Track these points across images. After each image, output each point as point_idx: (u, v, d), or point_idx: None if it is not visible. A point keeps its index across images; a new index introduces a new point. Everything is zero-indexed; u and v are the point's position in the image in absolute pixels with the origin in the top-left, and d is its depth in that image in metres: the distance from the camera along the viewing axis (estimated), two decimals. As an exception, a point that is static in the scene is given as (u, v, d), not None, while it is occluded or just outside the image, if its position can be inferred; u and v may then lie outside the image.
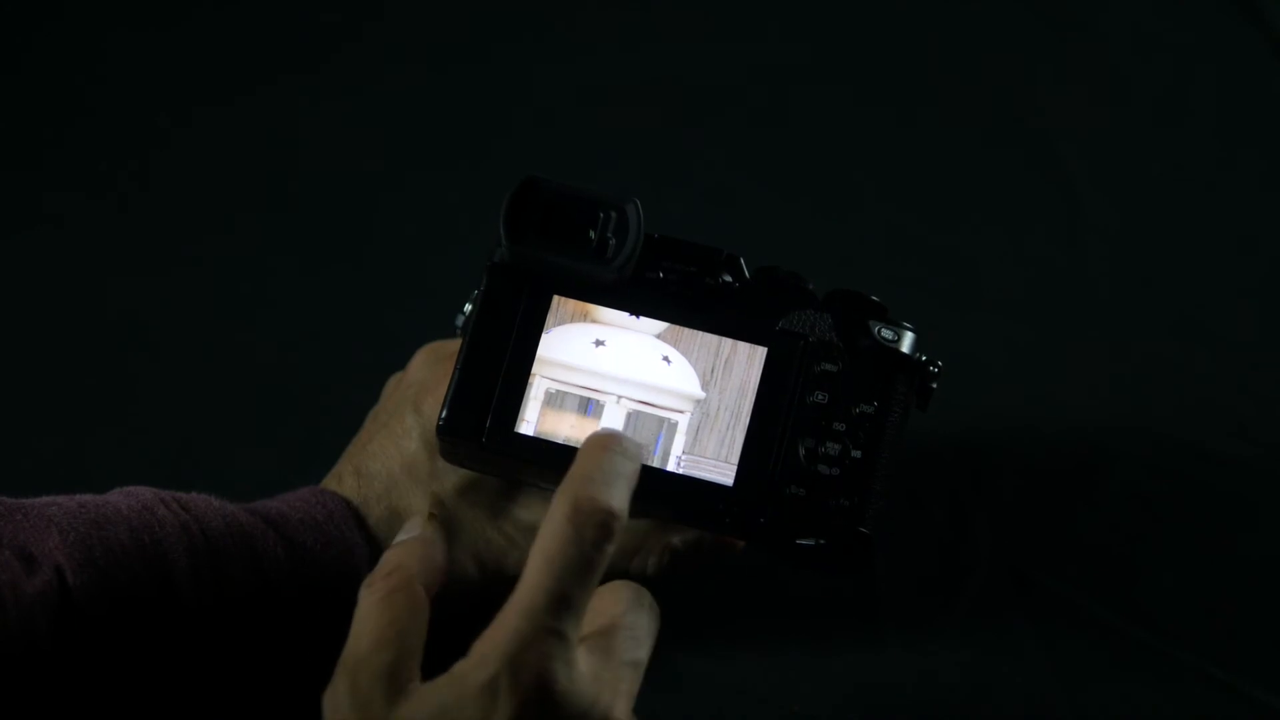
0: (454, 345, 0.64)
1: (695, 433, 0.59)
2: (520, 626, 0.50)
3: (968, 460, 0.75)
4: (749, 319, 0.60)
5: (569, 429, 0.59)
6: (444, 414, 0.59)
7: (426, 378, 0.65)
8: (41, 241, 0.82)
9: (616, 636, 0.54)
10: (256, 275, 0.81)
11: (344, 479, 0.64)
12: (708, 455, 0.59)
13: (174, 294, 0.80)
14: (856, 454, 0.59)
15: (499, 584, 0.63)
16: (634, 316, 0.60)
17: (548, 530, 0.51)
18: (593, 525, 0.51)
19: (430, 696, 0.51)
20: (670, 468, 0.59)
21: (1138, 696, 0.68)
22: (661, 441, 0.59)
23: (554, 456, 0.59)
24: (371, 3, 0.93)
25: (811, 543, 0.59)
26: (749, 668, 0.68)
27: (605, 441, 0.54)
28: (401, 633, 0.53)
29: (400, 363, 0.68)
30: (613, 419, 0.59)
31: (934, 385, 0.61)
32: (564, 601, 0.51)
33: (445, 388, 0.60)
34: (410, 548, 0.57)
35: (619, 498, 0.52)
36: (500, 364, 0.60)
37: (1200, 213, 0.86)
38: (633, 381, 0.60)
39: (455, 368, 0.60)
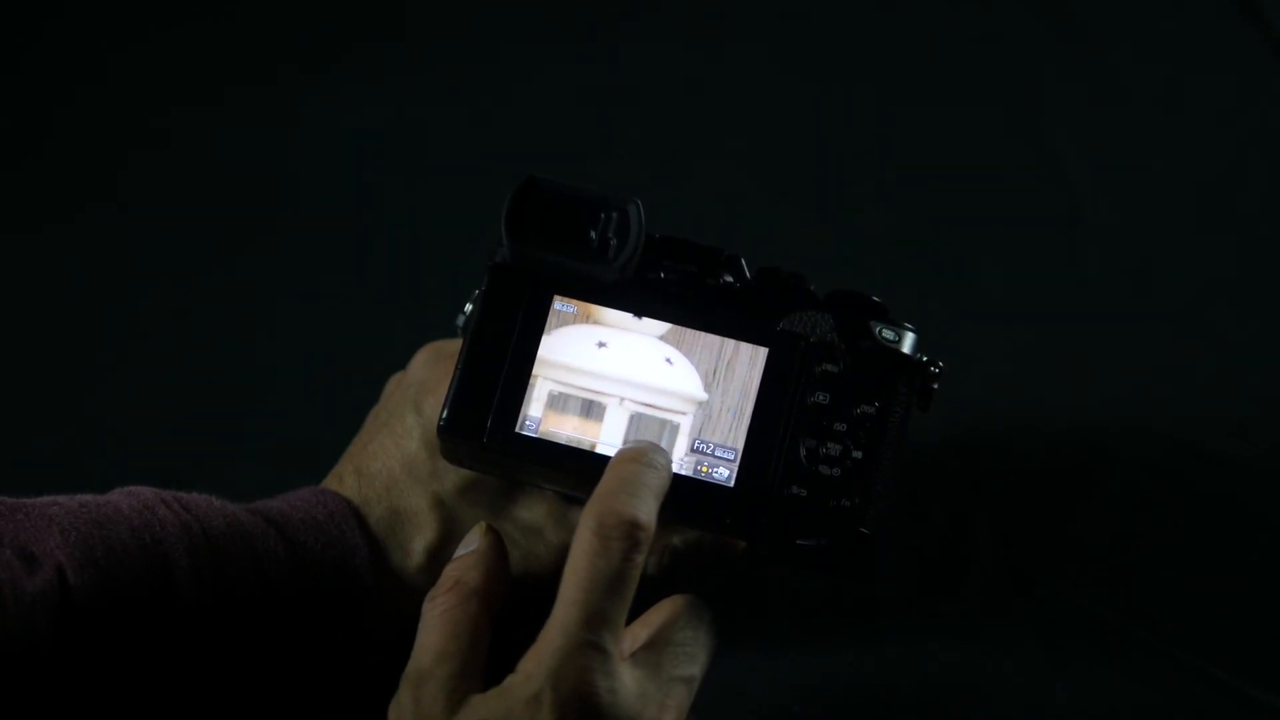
0: (455, 345, 0.64)
1: (697, 434, 0.59)
2: (559, 642, 0.52)
3: (968, 460, 0.75)
4: (750, 320, 0.60)
5: (571, 430, 0.59)
6: (445, 414, 0.59)
7: (427, 377, 0.65)
8: (42, 241, 0.82)
9: (666, 652, 0.55)
10: (256, 275, 0.81)
11: (344, 479, 0.64)
12: (709, 456, 0.59)
13: (174, 294, 0.80)
14: (858, 454, 0.59)
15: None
16: (636, 318, 0.60)
17: (576, 547, 0.53)
18: (619, 538, 0.53)
19: (480, 709, 0.52)
20: (673, 469, 0.59)
21: (1138, 696, 0.69)
22: (663, 443, 0.59)
23: (555, 457, 0.59)
24: (371, 4, 0.93)
25: (812, 543, 0.59)
26: (749, 668, 0.68)
27: (632, 454, 0.56)
28: (462, 647, 0.55)
29: (400, 363, 0.68)
30: (615, 421, 0.59)
31: (935, 385, 0.61)
32: (599, 615, 0.52)
33: (446, 387, 0.60)
34: (469, 561, 0.58)
35: (644, 509, 0.54)
36: (501, 364, 0.59)
37: (1200, 213, 0.86)
38: (635, 383, 0.59)
39: (456, 367, 0.60)
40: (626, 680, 0.53)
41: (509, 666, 0.53)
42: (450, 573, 0.57)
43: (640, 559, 0.53)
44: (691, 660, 0.56)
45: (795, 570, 0.61)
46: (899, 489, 0.61)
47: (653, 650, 0.55)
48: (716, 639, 0.57)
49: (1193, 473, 0.76)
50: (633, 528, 0.53)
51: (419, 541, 0.62)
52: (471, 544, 0.59)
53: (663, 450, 0.57)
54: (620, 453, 0.56)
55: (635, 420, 0.59)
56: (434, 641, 0.55)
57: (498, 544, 0.59)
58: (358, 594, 0.61)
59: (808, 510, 0.58)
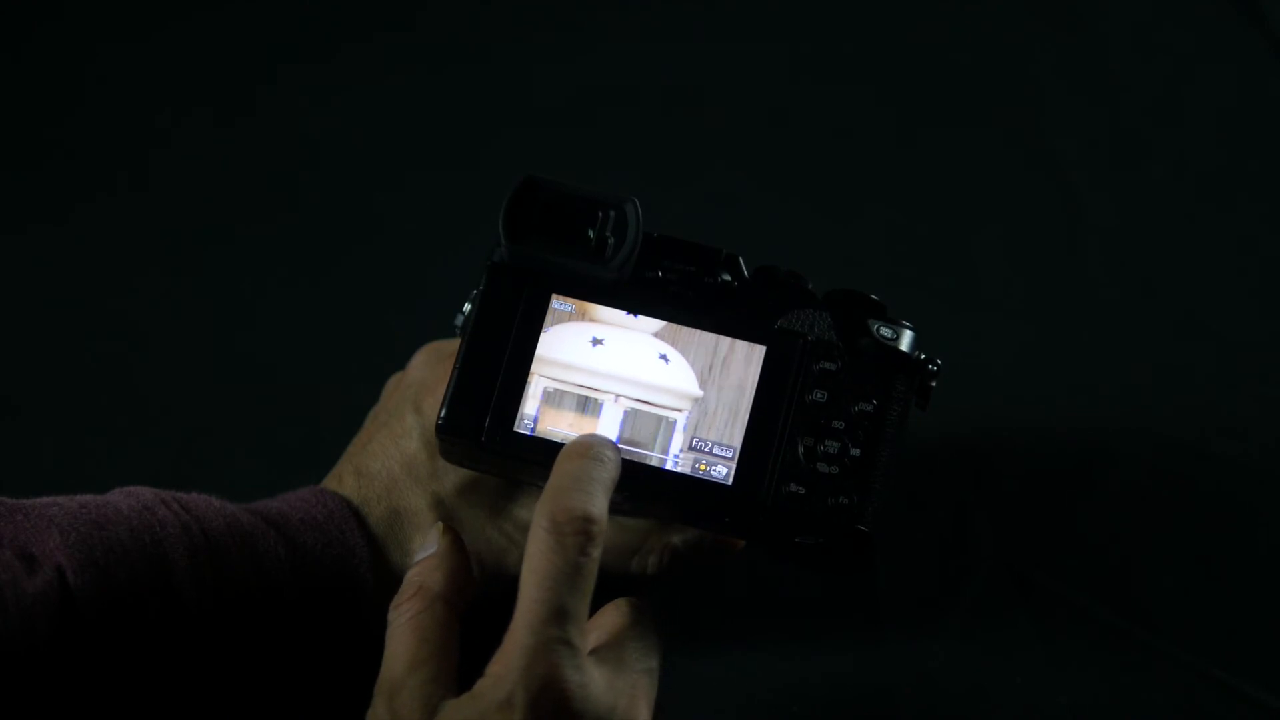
0: (454, 345, 0.64)
1: (693, 431, 0.59)
2: (526, 641, 0.52)
3: (968, 460, 0.75)
4: (748, 318, 0.60)
5: (568, 427, 0.59)
6: (443, 413, 0.59)
7: (426, 377, 0.65)
8: (41, 241, 0.82)
9: (626, 648, 0.55)
10: (256, 275, 0.81)
11: (344, 479, 0.64)
12: (706, 454, 0.59)
13: (174, 294, 0.81)
14: (855, 452, 0.59)
15: (499, 583, 0.63)
16: (632, 315, 0.60)
17: (532, 546, 0.53)
18: (572, 533, 0.53)
19: (454, 715, 0.52)
20: (669, 467, 0.59)
21: (1138, 696, 0.69)
22: (659, 440, 0.59)
23: (553, 456, 0.59)
24: (371, 3, 0.93)
25: (811, 541, 0.59)
26: (749, 668, 0.68)
27: (579, 449, 0.56)
28: (433, 652, 0.55)
29: (400, 363, 0.68)
30: (611, 417, 0.59)
31: (933, 384, 0.61)
32: (561, 611, 0.52)
33: (445, 387, 0.60)
34: (430, 564, 0.58)
35: (596, 504, 0.54)
36: (499, 363, 0.60)
37: (1200, 213, 0.86)
38: (630, 380, 0.60)
39: (455, 367, 0.60)
40: (595, 674, 0.53)
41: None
42: (412, 578, 0.58)
43: (596, 553, 0.53)
44: (649, 654, 0.56)
45: (795, 568, 0.61)
46: (898, 488, 0.61)
47: (612, 648, 0.56)
48: (662, 634, 0.58)
49: (1193, 472, 0.76)
50: (585, 522, 0.53)
51: (418, 541, 0.62)
52: (430, 546, 0.59)
53: (610, 443, 0.57)
54: (567, 448, 0.56)
55: (630, 416, 0.59)
56: (404, 650, 0.55)
57: (457, 543, 0.59)
58: (357, 594, 0.61)
59: (806, 508, 0.58)
